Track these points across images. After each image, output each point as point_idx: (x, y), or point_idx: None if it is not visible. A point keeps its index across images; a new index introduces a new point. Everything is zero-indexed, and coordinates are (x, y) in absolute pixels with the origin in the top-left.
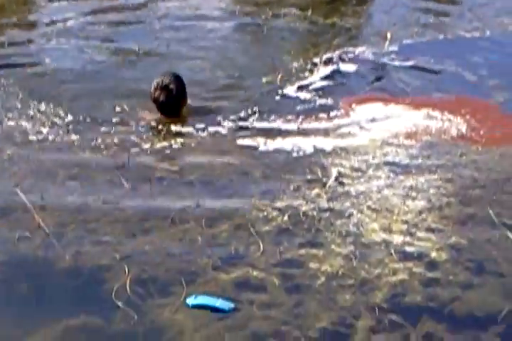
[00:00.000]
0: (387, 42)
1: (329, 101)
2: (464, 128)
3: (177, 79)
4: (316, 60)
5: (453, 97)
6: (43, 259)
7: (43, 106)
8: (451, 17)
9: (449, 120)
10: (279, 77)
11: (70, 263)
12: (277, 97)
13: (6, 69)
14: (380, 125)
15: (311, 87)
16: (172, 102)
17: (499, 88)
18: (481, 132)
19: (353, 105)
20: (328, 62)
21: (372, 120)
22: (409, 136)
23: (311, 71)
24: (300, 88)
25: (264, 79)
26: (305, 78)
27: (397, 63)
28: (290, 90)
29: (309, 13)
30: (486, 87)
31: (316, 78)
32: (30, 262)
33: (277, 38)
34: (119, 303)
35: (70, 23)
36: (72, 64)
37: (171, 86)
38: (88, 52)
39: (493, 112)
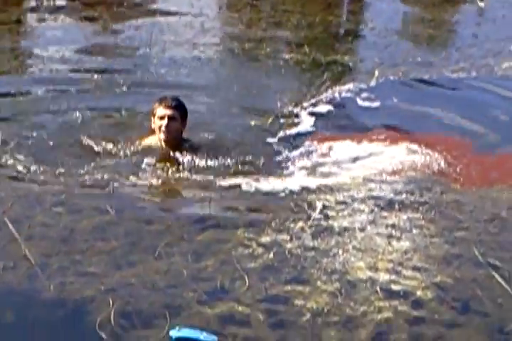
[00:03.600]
0: (373, 80)
1: (302, 142)
2: (442, 164)
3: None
4: (304, 102)
5: (428, 134)
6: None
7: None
8: (439, 57)
9: (429, 155)
10: (269, 120)
11: (55, 294)
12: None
13: None
14: (363, 162)
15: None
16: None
17: (473, 128)
18: (458, 169)
19: (327, 143)
20: (313, 104)
21: (355, 157)
22: (392, 171)
23: (296, 115)
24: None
25: (252, 122)
26: (288, 125)
27: (373, 103)
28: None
29: (306, 49)
30: (460, 127)
31: (298, 125)
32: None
33: (274, 74)
34: (103, 334)
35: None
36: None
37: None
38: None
39: (467, 150)
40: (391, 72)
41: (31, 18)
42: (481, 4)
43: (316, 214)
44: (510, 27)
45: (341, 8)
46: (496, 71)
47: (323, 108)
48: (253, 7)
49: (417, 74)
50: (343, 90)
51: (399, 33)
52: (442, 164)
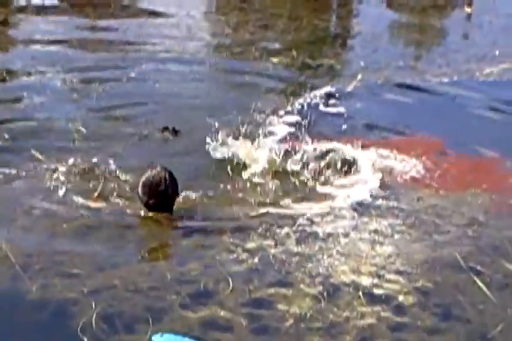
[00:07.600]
0: (353, 83)
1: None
2: (415, 169)
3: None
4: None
5: (399, 139)
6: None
7: None
8: (423, 62)
9: (403, 160)
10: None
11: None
12: None
13: None
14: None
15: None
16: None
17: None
18: (433, 174)
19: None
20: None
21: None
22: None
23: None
24: None
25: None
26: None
27: (339, 109)
28: None
29: (294, 53)
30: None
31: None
32: None
33: (258, 81)
34: (85, 339)
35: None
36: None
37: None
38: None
39: (441, 150)
40: (374, 77)
41: (18, 19)
42: (468, 10)
43: (300, 220)
44: (496, 33)
45: (328, 12)
46: (477, 76)
47: (292, 117)
48: (241, 10)
49: (399, 79)
50: (317, 96)
51: (385, 38)
52: (416, 169)
